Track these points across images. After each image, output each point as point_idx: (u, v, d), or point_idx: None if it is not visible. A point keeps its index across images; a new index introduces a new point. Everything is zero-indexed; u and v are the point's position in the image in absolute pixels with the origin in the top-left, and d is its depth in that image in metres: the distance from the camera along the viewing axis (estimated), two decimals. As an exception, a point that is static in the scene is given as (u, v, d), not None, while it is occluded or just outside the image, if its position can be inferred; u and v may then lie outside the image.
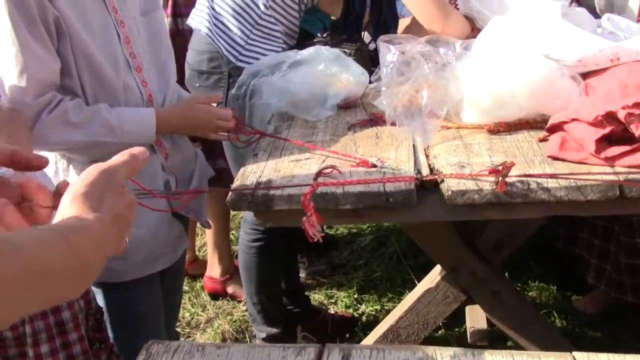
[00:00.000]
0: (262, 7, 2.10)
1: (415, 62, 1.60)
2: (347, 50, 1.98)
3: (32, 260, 0.61)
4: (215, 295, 2.92)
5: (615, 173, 1.31)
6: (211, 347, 0.99)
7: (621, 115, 1.33)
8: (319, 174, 1.33)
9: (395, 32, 2.29)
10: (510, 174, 1.29)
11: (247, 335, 2.64)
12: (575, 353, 0.96)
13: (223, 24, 2.12)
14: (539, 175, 1.29)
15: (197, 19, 2.20)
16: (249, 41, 2.11)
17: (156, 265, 1.66)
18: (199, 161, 1.80)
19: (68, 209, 0.72)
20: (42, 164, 0.87)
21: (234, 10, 2.11)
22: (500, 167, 1.25)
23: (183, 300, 2.84)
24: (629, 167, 1.31)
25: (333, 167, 1.37)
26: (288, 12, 2.13)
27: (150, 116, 1.54)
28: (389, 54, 1.58)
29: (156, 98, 1.59)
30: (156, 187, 1.57)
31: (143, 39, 1.60)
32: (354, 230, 3.40)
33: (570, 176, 1.30)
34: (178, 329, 2.68)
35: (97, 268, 0.69)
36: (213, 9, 2.14)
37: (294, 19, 2.16)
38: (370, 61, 2.07)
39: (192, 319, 2.81)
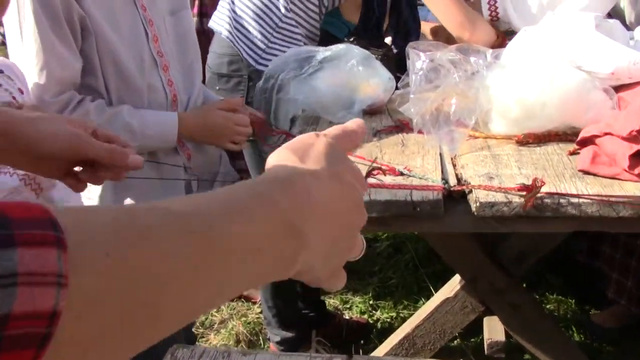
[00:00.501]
0: (282, 10, 2.09)
1: (445, 69, 1.57)
2: (373, 55, 1.96)
3: (227, 240, 0.46)
4: (229, 296, 2.91)
5: (649, 190, 1.28)
6: (237, 354, 0.98)
7: (656, 131, 1.30)
8: (368, 174, 1.31)
9: (417, 37, 2.28)
10: (543, 188, 1.27)
11: (260, 338, 2.63)
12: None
13: (243, 27, 2.11)
14: (569, 195, 1.26)
15: (218, 22, 2.19)
16: (270, 44, 2.11)
17: None
18: (223, 163, 1.79)
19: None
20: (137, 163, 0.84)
21: (255, 14, 2.11)
22: (530, 185, 1.23)
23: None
24: (663, 184, 1.28)
25: (379, 168, 1.35)
26: (308, 15, 2.12)
27: (173, 121, 1.53)
28: (418, 60, 1.57)
29: (181, 99, 1.59)
30: (177, 189, 1.56)
31: (171, 38, 1.59)
32: (370, 236, 3.38)
33: (602, 197, 1.27)
34: (192, 329, 2.68)
35: (313, 239, 0.53)
36: (234, 11, 2.14)
37: (315, 22, 2.14)
38: (397, 66, 2.05)
39: (206, 319, 2.80)
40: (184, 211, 0.46)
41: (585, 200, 1.26)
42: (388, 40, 2.39)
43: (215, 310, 2.85)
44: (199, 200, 0.49)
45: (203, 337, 2.69)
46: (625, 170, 1.31)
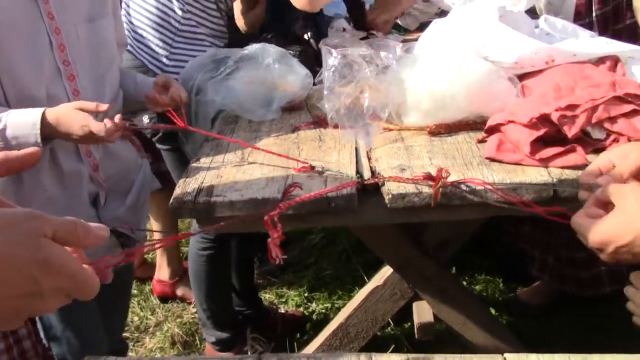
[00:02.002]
0: (179, 12, 2.08)
1: (357, 65, 1.60)
2: (291, 52, 1.97)
3: None
4: (164, 298, 2.89)
5: (549, 174, 1.34)
6: (149, 361, 0.98)
7: (554, 117, 1.37)
8: (285, 193, 1.32)
9: (326, 26, 2.28)
10: (449, 177, 1.31)
11: (197, 338, 2.62)
12: (506, 355, 0.99)
13: (143, 36, 2.09)
14: (474, 181, 1.31)
15: None
16: (172, 50, 2.09)
17: None
18: (142, 172, 1.77)
19: None
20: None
21: (152, 21, 2.09)
22: (435, 175, 1.27)
23: (132, 305, 2.81)
24: (562, 167, 1.34)
25: (296, 184, 1.36)
26: (208, 14, 2.11)
27: (36, 118, 1.40)
28: (330, 57, 1.59)
29: None
30: (81, 198, 1.53)
31: (83, 46, 1.55)
32: (304, 228, 3.41)
33: (504, 184, 1.33)
34: (127, 334, 2.65)
35: None
36: (131, 22, 2.12)
37: (217, 19, 2.14)
38: (315, 62, 2.07)
39: (141, 323, 2.77)
40: None
41: (490, 187, 1.31)
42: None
43: (150, 312, 2.82)
44: None
45: (139, 341, 2.67)
46: (527, 156, 1.37)
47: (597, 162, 1.07)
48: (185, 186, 1.42)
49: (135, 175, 1.74)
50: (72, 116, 1.40)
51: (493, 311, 2.63)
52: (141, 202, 1.77)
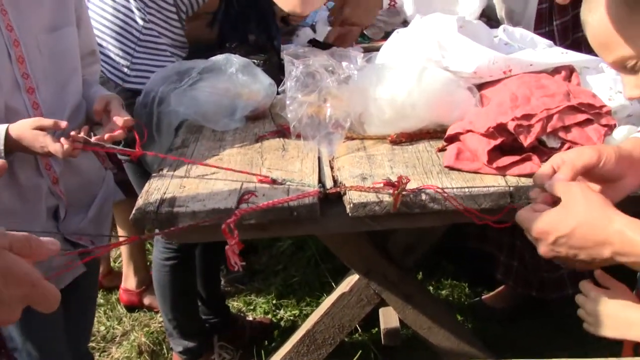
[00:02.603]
0: (140, 22, 2.06)
1: (319, 74, 1.62)
2: (255, 61, 1.98)
3: None
4: (131, 308, 2.87)
5: (506, 182, 1.38)
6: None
7: (511, 126, 1.40)
8: (240, 201, 1.33)
9: (277, 30, 2.29)
10: (409, 185, 1.34)
11: (164, 347, 2.61)
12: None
13: (102, 46, 2.07)
14: (431, 188, 1.34)
15: None
16: (134, 60, 2.08)
17: None
18: (105, 185, 1.76)
19: None
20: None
21: (113, 31, 2.07)
22: (395, 182, 1.29)
23: (98, 314, 2.78)
24: (519, 175, 1.38)
25: (251, 193, 1.37)
26: (169, 24, 2.10)
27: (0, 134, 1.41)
28: (292, 67, 1.60)
29: None
30: (39, 212, 1.51)
31: (45, 57, 1.54)
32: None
33: (464, 184, 1.36)
34: (93, 344, 2.63)
35: None
36: None
37: (178, 29, 2.13)
38: (279, 70, 2.08)
39: (107, 332, 2.75)
40: None
41: (445, 194, 1.34)
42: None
43: (116, 322, 2.80)
44: None
45: (105, 351, 2.64)
46: (485, 165, 1.40)
47: (551, 162, 1.12)
48: (148, 197, 1.42)
49: (97, 187, 1.73)
50: (31, 136, 1.40)
51: (459, 316, 2.67)
52: (104, 214, 1.76)
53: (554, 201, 1.01)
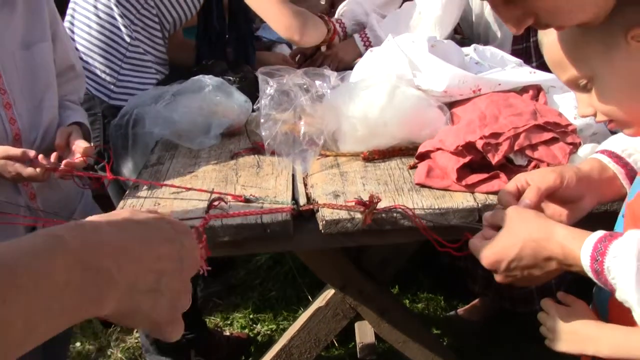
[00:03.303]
0: (127, 39, 2.09)
1: (294, 93, 1.65)
2: (231, 78, 2.01)
3: (29, 274, 0.52)
4: (107, 323, 2.85)
5: (475, 199, 1.41)
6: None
7: (479, 144, 1.44)
8: (210, 206, 1.35)
9: (254, 51, 2.35)
10: (381, 203, 1.37)
11: (140, 363, 2.60)
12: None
13: (89, 63, 2.09)
14: (400, 207, 1.37)
15: None
16: (120, 77, 2.10)
17: None
18: (84, 201, 1.76)
19: None
20: None
21: (99, 48, 2.09)
22: (367, 200, 1.32)
23: (74, 330, 2.76)
24: (487, 193, 1.41)
25: (221, 199, 1.39)
26: (154, 41, 2.13)
27: None
28: (267, 86, 1.63)
29: (25, 136, 1.55)
30: (17, 229, 1.52)
31: (21, 73, 1.55)
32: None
33: (434, 202, 1.39)
34: (68, 360, 2.61)
35: (121, 276, 0.59)
36: (76, 49, 2.11)
37: (161, 47, 2.17)
38: (255, 88, 2.11)
39: (83, 348, 2.73)
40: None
41: (420, 212, 1.37)
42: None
43: (92, 338, 2.79)
44: (14, 242, 0.55)
45: (80, 367, 2.63)
46: (454, 182, 1.43)
47: (515, 181, 1.16)
48: (122, 214, 1.43)
49: (76, 202, 1.74)
50: (1, 167, 1.41)
51: (435, 329, 2.69)
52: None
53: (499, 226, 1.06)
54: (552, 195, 1.13)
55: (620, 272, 0.87)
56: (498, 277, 1.03)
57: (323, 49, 2.42)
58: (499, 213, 1.05)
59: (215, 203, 1.35)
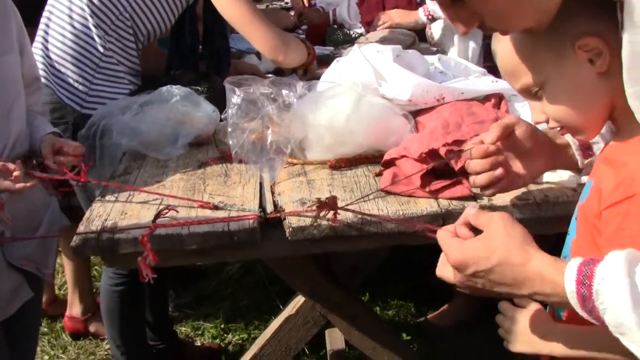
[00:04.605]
0: (101, 49, 2.09)
1: (261, 102, 1.67)
2: (199, 88, 2.02)
3: None
4: (76, 335, 2.83)
5: (439, 204, 1.44)
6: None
7: (442, 151, 1.47)
8: (157, 215, 1.36)
9: (228, 66, 2.38)
10: (346, 208, 1.39)
11: (110, 375, 2.58)
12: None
13: (61, 72, 2.09)
14: (359, 201, 1.39)
15: None
16: (92, 86, 2.10)
17: None
18: (51, 211, 1.75)
19: None
20: None
21: (72, 57, 2.09)
22: (325, 201, 1.34)
23: (42, 343, 2.74)
24: (450, 198, 1.44)
25: (170, 207, 1.40)
26: (127, 52, 2.14)
27: None
28: (234, 96, 1.65)
29: None
30: None
31: None
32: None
33: (399, 208, 1.42)
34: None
35: None
36: (49, 57, 2.11)
37: (135, 58, 2.18)
38: (223, 98, 2.12)
39: (51, 361, 2.70)
40: None
41: (374, 217, 1.40)
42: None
43: (61, 350, 2.76)
44: None
45: (49, 380, 2.60)
46: (419, 189, 1.46)
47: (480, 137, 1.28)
48: (89, 223, 1.43)
49: (43, 213, 1.73)
50: None
51: (405, 335, 2.72)
52: (50, 240, 1.75)
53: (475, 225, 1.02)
54: (509, 144, 1.23)
55: (612, 294, 0.81)
56: (457, 278, 0.98)
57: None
58: (484, 216, 0.99)
59: (164, 212, 1.35)
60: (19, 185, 1.46)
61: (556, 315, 1.13)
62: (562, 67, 1.02)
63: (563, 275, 0.86)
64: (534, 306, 1.11)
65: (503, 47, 1.08)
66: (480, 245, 0.95)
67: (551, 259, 0.90)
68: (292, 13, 3.84)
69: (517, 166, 1.26)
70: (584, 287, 0.83)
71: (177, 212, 1.39)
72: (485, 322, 2.61)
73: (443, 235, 1.01)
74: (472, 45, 2.66)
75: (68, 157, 1.61)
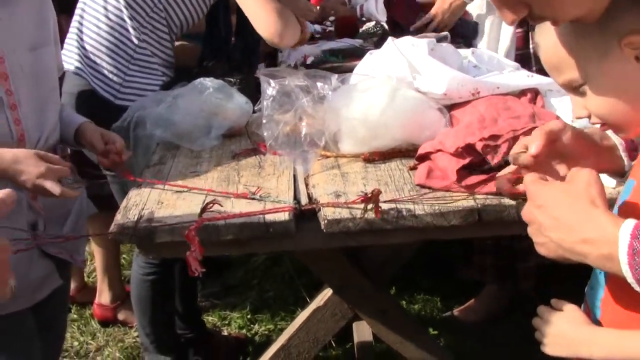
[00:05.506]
0: (135, 41, 2.11)
1: (295, 94, 1.67)
2: (232, 80, 2.03)
3: None
4: (105, 323, 2.87)
5: (475, 200, 1.43)
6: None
7: (479, 146, 1.46)
8: (203, 209, 1.37)
9: (258, 55, 2.36)
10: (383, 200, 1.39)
11: (138, 362, 2.61)
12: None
13: (96, 63, 2.11)
14: (403, 200, 1.39)
15: (68, 60, 2.16)
16: (127, 77, 2.12)
17: (6, 307, 1.53)
18: (79, 199, 1.78)
19: None
20: None
21: (107, 48, 2.11)
22: (370, 195, 1.34)
23: (71, 329, 2.78)
24: (486, 194, 1.43)
25: (215, 201, 1.41)
26: (161, 44, 2.16)
27: None
28: (269, 87, 1.65)
29: (30, 137, 1.56)
30: (20, 227, 1.53)
31: (26, 75, 1.57)
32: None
33: (435, 202, 1.41)
34: (66, 359, 2.62)
35: None
36: (84, 48, 2.13)
37: (169, 50, 2.19)
38: (256, 89, 2.13)
39: (81, 348, 2.74)
40: None
41: (421, 212, 1.39)
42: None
43: (90, 337, 2.80)
44: None
45: (79, 367, 2.64)
46: (454, 183, 1.45)
47: (522, 141, 1.19)
48: (127, 212, 1.45)
49: (72, 201, 1.75)
50: (31, 162, 1.43)
51: (432, 330, 2.71)
52: (79, 228, 1.78)
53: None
54: (555, 149, 1.15)
55: None
56: (526, 208, 1.00)
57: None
58: (574, 169, 1.01)
59: (210, 206, 1.36)
60: (74, 192, 1.51)
61: (592, 317, 1.12)
62: (607, 63, 1.01)
63: (619, 228, 0.88)
64: (570, 309, 1.10)
65: (548, 39, 1.07)
66: (559, 185, 1.00)
67: (615, 216, 0.93)
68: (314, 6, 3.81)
69: (563, 171, 1.22)
70: (637, 240, 0.86)
71: (222, 205, 1.40)
72: (513, 317, 2.64)
73: (530, 177, 1.03)
74: (503, 36, 2.62)
75: (115, 151, 1.67)
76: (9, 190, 0.78)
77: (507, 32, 2.57)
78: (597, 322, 1.10)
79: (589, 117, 1.10)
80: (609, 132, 1.22)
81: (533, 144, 1.14)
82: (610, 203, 0.97)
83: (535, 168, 1.15)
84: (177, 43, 2.27)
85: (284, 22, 2.06)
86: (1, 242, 0.74)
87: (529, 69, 2.04)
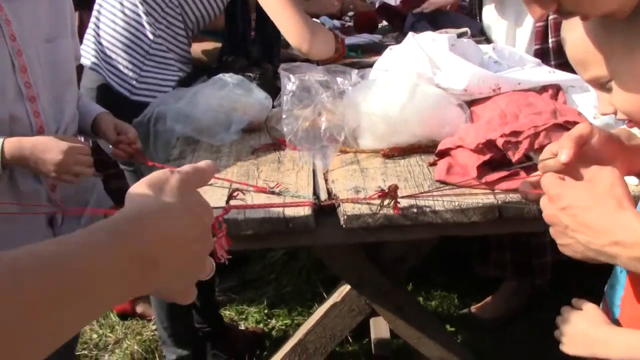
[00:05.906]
0: (151, 37, 2.12)
1: (315, 89, 1.67)
2: (251, 75, 2.03)
3: (80, 275, 0.55)
4: (124, 316, 2.89)
5: (495, 196, 1.42)
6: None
7: (499, 142, 1.45)
8: (230, 197, 1.38)
9: (279, 50, 2.36)
10: (401, 196, 1.39)
11: (156, 355, 2.63)
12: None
13: (112, 58, 2.12)
14: (423, 195, 1.38)
15: (85, 55, 2.18)
16: (142, 73, 2.13)
17: None
18: (96, 192, 1.79)
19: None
20: None
21: (123, 44, 2.13)
22: (387, 190, 1.34)
23: (90, 322, 2.80)
24: (507, 190, 1.42)
25: (240, 190, 1.41)
26: (177, 40, 2.16)
27: None
28: (288, 82, 1.65)
29: (49, 128, 1.58)
30: (38, 219, 1.55)
31: (44, 66, 1.58)
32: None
33: (454, 199, 1.40)
34: (85, 351, 2.65)
35: (163, 262, 0.63)
36: (100, 43, 2.15)
37: (185, 45, 2.20)
38: (275, 84, 2.13)
39: (99, 340, 2.77)
40: (51, 251, 0.56)
41: (441, 208, 1.39)
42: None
43: (109, 330, 2.82)
44: (67, 240, 0.60)
45: (97, 359, 2.66)
46: (474, 180, 1.44)
47: (549, 148, 1.13)
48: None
49: (89, 195, 1.77)
50: (52, 144, 1.45)
51: (449, 326, 2.71)
52: (97, 220, 1.80)
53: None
54: (582, 153, 1.09)
55: None
56: (547, 210, 0.98)
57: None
58: (594, 167, 1.00)
59: (235, 194, 1.37)
60: (89, 170, 1.52)
61: (611, 316, 1.11)
62: (634, 60, 1.00)
63: None
64: (590, 308, 1.09)
65: (575, 35, 1.06)
66: (582, 185, 0.98)
67: None
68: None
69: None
70: None
71: (245, 194, 1.40)
72: (530, 314, 2.62)
73: (548, 176, 1.01)
74: (520, 30, 2.59)
75: (127, 141, 1.67)
76: (209, 161, 0.79)
77: (528, 26, 2.54)
78: (615, 321, 1.09)
79: (615, 113, 1.09)
80: (636, 131, 1.21)
81: (563, 151, 1.08)
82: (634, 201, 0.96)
83: (561, 172, 1.12)
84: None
85: (312, 30, 2.05)
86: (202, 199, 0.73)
87: (547, 63, 2.02)
